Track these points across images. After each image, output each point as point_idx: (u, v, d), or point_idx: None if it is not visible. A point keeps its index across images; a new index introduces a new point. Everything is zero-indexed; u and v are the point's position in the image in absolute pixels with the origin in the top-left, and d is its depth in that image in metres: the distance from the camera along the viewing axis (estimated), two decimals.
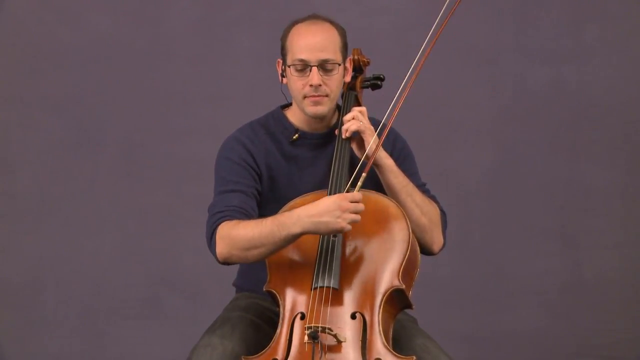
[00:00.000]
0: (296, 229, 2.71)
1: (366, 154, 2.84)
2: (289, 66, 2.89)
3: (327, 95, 2.90)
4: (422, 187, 2.99)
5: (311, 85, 2.87)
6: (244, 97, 4.58)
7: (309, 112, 2.92)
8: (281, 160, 2.97)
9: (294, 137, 2.98)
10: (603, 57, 4.59)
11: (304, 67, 2.88)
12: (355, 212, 2.69)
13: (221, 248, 2.79)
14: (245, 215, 2.83)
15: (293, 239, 2.73)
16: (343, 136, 2.90)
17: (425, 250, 2.93)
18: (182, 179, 4.59)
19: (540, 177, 4.60)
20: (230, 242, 2.78)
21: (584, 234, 4.60)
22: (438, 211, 2.96)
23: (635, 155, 4.58)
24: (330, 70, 2.88)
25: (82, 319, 4.60)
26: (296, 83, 2.89)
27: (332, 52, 2.89)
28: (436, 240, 2.93)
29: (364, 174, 2.70)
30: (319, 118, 2.95)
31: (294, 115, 3.01)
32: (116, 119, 4.62)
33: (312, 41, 2.87)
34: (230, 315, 2.91)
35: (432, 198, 2.98)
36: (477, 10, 4.59)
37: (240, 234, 2.76)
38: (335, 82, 2.91)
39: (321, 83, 2.87)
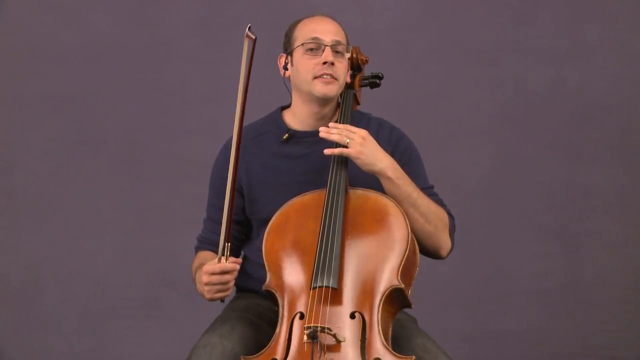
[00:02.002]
0: (198, 287, 2.86)
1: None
2: (301, 44, 2.91)
3: (336, 79, 2.91)
4: (429, 190, 2.96)
5: (324, 63, 2.89)
6: None
7: (319, 93, 2.91)
8: (269, 161, 2.98)
9: (285, 137, 2.99)
10: (603, 57, 4.59)
11: (317, 45, 2.90)
12: (220, 283, 2.74)
13: None
14: (210, 244, 3.04)
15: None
16: (320, 135, 2.85)
17: (433, 255, 2.92)
18: (182, 179, 4.58)
19: (540, 177, 4.60)
20: None
21: (584, 234, 4.59)
22: (445, 216, 2.93)
23: (634, 155, 4.57)
24: (341, 54, 2.93)
25: (82, 319, 4.60)
26: (307, 63, 2.91)
27: (342, 38, 2.94)
28: (443, 245, 2.91)
29: (227, 244, 2.71)
30: (326, 100, 2.93)
31: (290, 116, 3.02)
32: (116, 119, 4.62)
33: (325, 25, 2.94)
34: (229, 315, 2.91)
35: (439, 202, 2.95)
36: (477, 10, 4.59)
37: (192, 272, 2.99)
38: (343, 68, 2.94)
39: (334, 62, 2.89)
